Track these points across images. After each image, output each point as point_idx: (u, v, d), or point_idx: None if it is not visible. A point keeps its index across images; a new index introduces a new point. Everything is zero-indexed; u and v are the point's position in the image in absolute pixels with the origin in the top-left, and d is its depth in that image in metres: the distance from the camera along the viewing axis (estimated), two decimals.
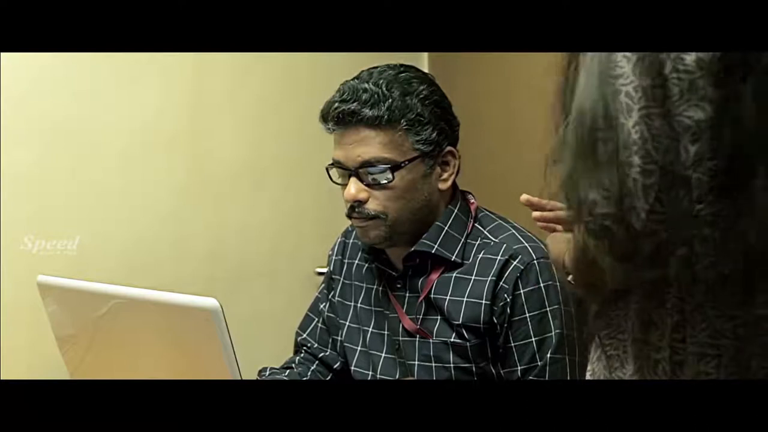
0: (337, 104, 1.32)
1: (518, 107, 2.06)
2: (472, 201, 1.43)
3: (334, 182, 1.39)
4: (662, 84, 0.68)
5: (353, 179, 1.33)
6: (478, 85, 2.18)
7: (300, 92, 2.19)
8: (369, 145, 1.31)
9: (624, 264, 0.71)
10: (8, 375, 1.66)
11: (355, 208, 1.34)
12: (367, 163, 1.31)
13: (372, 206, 1.33)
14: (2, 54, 1.70)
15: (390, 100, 1.31)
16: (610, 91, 0.69)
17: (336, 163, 1.36)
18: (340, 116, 1.31)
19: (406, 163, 1.32)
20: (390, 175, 1.32)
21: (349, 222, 1.57)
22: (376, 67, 1.37)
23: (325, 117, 1.34)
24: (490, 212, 1.44)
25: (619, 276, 0.75)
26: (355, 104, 1.30)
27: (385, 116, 1.30)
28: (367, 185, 1.33)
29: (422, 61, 2.28)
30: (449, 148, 1.37)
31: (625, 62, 0.69)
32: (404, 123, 1.31)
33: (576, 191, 0.72)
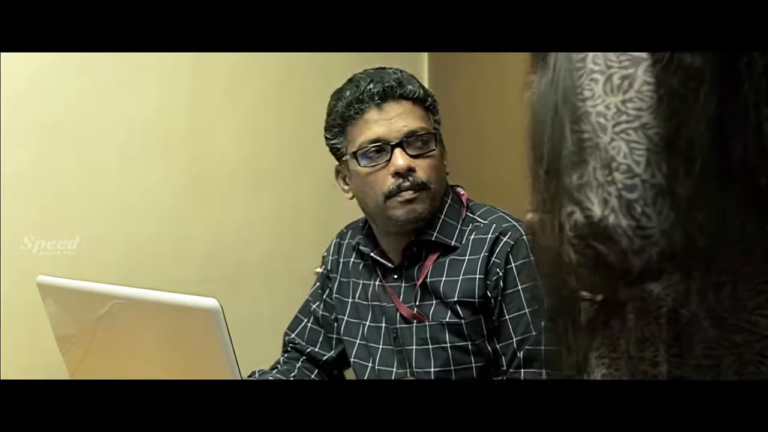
0: (372, 85, 1.37)
1: (517, 107, 2.05)
2: (462, 193, 1.49)
3: (362, 167, 1.38)
4: (633, 98, 0.68)
5: (398, 150, 1.36)
6: (478, 85, 2.18)
7: (299, 92, 2.19)
8: (411, 116, 1.38)
9: (613, 282, 0.71)
10: (8, 375, 1.66)
11: (406, 178, 1.36)
12: (413, 132, 1.37)
13: (420, 174, 1.37)
14: (2, 54, 1.70)
15: (416, 81, 1.41)
16: (579, 114, 0.69)
17: (373, 142, 1.37)
18: (386, 90, 1.37)
19: (438, 136, 1.41)
20: (434, 144, 1.39)
21: (344, 224, 1.59)
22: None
23: (360, 98, 1.37)
24: (478, 202, 1.48)
25: (603, 291, 0.75)
26: (393, 81, 1.37)
27: (420, 92, 1.40)
28: (412, 156, 1.37)
29: (422, 61, 2.28)
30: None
31: (593, 84, 0.69)
32: (429, 101, 1.42)
33: (554, 208, 0.72)
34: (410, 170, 1.36)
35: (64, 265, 1.79)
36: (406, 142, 1.36)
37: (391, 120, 1.36)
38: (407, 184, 1.36)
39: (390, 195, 1.37)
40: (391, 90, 1.36)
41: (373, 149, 1.37)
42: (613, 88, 0.68)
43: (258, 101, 2.16)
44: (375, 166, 1.37)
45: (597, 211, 0.66)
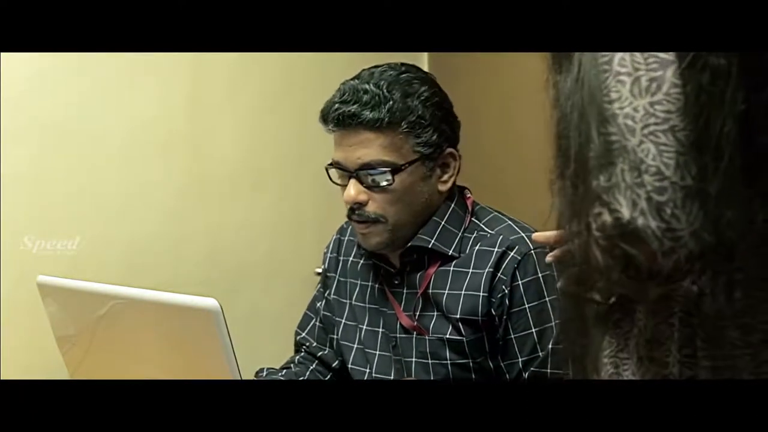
0: (337, 105, 1.31)
1: (518, 107, 2.06)
2: (469, 196, 1.43)
3: (333, 182, 1.38)
4: (662, 101, 0.68)
5: (353, 181, 1.32)
6: (478, 85, 2.18)
7: (298, 93, 2.19)
8: (369, 147, 1.30)
9: (641, 282, 0.70)
10: (8, 375, 1.66)
11: (355, 210, 1.33)
12: (368, 166, 1.30)
13: (372, 209, 1.33)
14: (2, 54, 1.70)
15: (391, 102, 1.29)
16: (606, 116, 0.69)
17: (336, 164, 1.35)
18: (341, 118, 1.30)
19: (407, 165, 1.31)
20: (390, 178, 1.31)
21: (342, 221, 1.57)
22: (377, 67, 1.36)
23: (325, 118, 1.33)
24: (485, 206, 1.43)
25: (630, 291, 0.74)
26: (355, 106, 1.29)
27: (386, 119, 1.29)
28: (367, 187, 1.32)
29: (422, 61, 2.28)
30: (449, 149, 1.36)
31: (619, 86, 0.69)
32: (405, 125, 1.30)
33: (581, 210, 0.71)
34: (358, 203, 1.33)
35: (64, 265, 1.79)
36: (360, 174, 1.31)
37: (350, 147, 1.31)
38: (355, 216, 1.34)
39: (349, 218, 1.37)
40: (351, 118, 1.29)
41: (336, 170, 1.36)
42: (641, 91, 0.68)
43: (258, 101, 2.16)
44: (341, 186, 1.37)
45: (626, 212, 0.66)
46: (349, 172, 1.33)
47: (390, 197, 1.32)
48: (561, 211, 0.77)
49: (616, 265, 0.69)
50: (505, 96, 2.11)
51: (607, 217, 0.67)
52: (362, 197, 1.32)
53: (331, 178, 1.39)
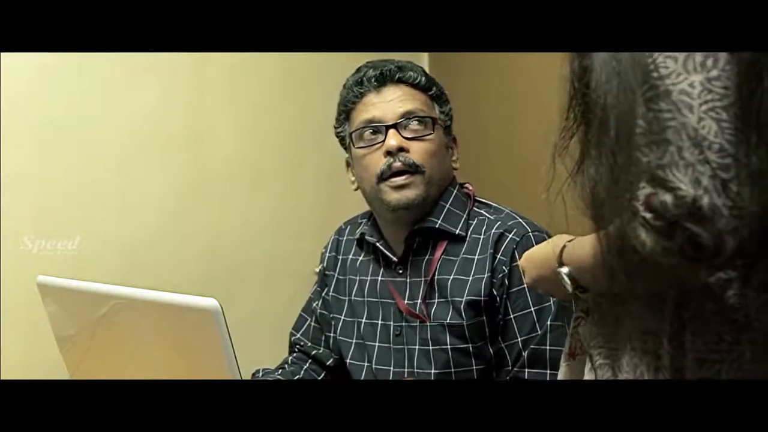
0: (371, 70, 1.40)
1: (518, 107, 2.06)
2: (470, 189, 1.48)
3: (358, 148, 1.41)
4: (720, 76, 0.67)
5: (392, 131, 1.37)
6: (478, 85, 2.18)
7: (299, 92, 2.19)
8: (409, 100, 1.39)
9: (699, 263, 0.68)
10: (8, 375, 1.66)
11: (397, 157, 1.36)
12: (410, 113, 1.38)
13: (413, 156, 1.37)
14: (2, 54, 1.69)
15: (420, 69, 1.42)
16: (658, 92, 0.67)
17: (368, 123, 1.39)
18: (382, 74, 1.39)
19: (439, 122, 1.41)
20: (431, 128, 1.39)
21: (342, 221, 1.57)
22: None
23: (360, 81, 1.40)
24: (485, 200, 1.47)
25: (684, 276, 0.72)
26: (394, 67, 1.40)
27: (422, 79, 1.41)
28: (406, 138, 1.37)
29: (422, 61, 2.28)
30: (452, 134, 1.46)
31: (669, 61, 0.67)
32: (434, 90, 1.42)
33: (624, 192, 0.69)
34: (401, 150, 1.36)
35: (64, 265, 1.79)
36: (401, 124, 1.37)
37: (388, 102, 1.38)
38: (398, 164, 1.36)
39: (382, 177, 1.37)
40: (390, 73, 1.39)
41: (368, 130, 1.39)
42: (695, 66, 0.66)
43: (258, 101, 2.15)
44: (370, 147, 1.39)
45: (689, 190, 0.64)
46: (387, 126, 1.37)
47: (428, 148, 1.38)
48: (598, 179, 0.74)
49: (674, 247, 0.66)
50: (506, 96, 2.11)
51: (666, 197, 0.65)
52: (405, 144, 1.37)
53: (353, 145, 1.42)
